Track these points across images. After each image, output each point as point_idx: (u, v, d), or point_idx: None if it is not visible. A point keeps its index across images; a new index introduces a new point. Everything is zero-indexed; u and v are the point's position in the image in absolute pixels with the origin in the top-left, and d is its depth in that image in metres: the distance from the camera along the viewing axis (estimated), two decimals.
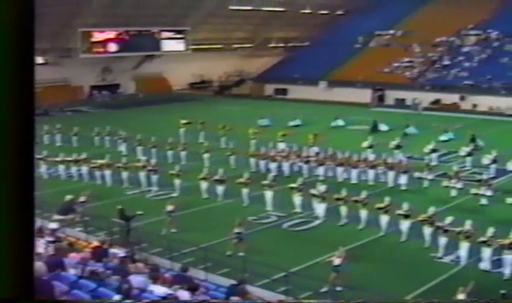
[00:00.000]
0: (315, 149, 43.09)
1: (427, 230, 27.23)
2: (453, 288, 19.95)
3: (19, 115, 4.01)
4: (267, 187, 33.94)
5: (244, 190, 34.25)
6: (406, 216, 28.20)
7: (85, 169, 39.68)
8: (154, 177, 37.70)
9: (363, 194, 30.68)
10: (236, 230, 26.63)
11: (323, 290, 22.24)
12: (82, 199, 30.92)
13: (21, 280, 4.04)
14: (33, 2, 4.11)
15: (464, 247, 25.30)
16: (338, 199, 30.97)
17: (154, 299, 14.98)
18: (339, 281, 22.45)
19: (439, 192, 34.85)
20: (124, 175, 38.49)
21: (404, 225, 28.21)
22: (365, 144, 43.24)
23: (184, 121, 53.91)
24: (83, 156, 40.15)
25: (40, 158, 39.07)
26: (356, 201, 30.47)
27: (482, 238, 24.64)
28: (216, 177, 35.72)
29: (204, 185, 35.60)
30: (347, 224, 30.45)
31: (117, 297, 14.52)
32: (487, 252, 24.62)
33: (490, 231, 24.74)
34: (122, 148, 46.91)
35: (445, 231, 25.97)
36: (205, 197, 35.37)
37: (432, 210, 27.69)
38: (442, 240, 26.11)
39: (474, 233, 25.26)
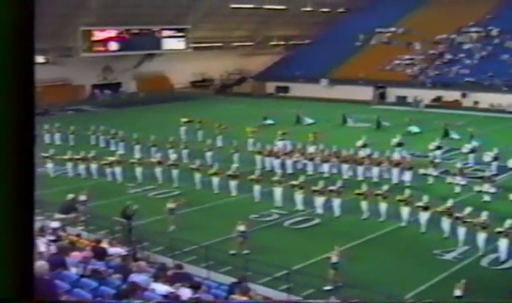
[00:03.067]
0: (320, 147, 43.16)
1: (445, 222, 27.75)
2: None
3: (20, 114, 3.99)
4: (276, 183, 34.34)
5: (256, 187, 34.47)
6: (426, 208, 28.82)
7: (83, 167, 40.01)
8: (174, 172, 38.38)
9: (385, 188, 31.72)
10: (241, 229, 26.65)
11: (327, 288, 22.33)
12: (82, 197, 31.03)
13: (21, 280, 4.03)
14: (33, 1, 4.11)
15: (481, 238, 25.71)
16: (358, 194, 31.47)
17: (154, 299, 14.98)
18: (338, 278, 22.54)
19: (444, 189, 34.84)
20: (138, 171, 39.13)
21: (424, 216, 28.80)
22: (359, 143, 43.12)
23: (185, 119, 54.10)
24: (91, 154, 40.47)
25: (45, 157, 39.29)
26: (377, 195, 31.17)
27: (499, 229, 24.99)
28: (229, 172, 36.29)
29: (216, 180, 36.15)
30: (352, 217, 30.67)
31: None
32: (503, 243, 24.99)
33: (508, 222, 25.15)
34: (120, 146, 46.70)
35: (464, 222, 26.39)
36: (216, 192, 35.84)
37: (450, 202, 28.08)
38: (461, 231, 26.63)
39: (490, 224, 25.61)
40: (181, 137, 49.46)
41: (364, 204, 31.06)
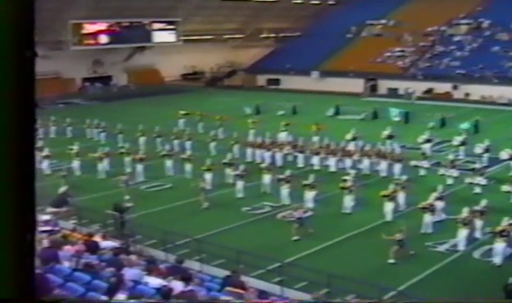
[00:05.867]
0: (315, 138, 43.62)
1: (428, 218, 27.45)
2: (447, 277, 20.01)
3: (20, 110, 3.94)
4: (265, 171, 34.84)
5: (240, 183, 34.11)
6: (441, 198, 29.09)
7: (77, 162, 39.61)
8: (168, 163, 38.93)
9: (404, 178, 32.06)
10: (297, 215, 27.44)
11: (391, 261, 23.82)
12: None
13: (21, 280, 3.98)
14: None
15: (462, 234, 25.45)
16: (343, 188, 31.28)
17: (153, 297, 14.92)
18: (402, 254, 24.13)
19: (436, 181, 34.62)
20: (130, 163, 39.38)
21: (439, 205, 28.88)
22: (349, 136, 43.06)
23: (183, 112, 54.75)
24: (76, 147, 40.11)
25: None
26: (396, 184, 31.19)
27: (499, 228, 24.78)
28: (225, 161, 36.58)
29: (208, 176, 35.29)
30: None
31: (122, 296, 14.45)
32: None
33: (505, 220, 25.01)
34: (118, 139, 46.57)
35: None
36: (209, 188, 34.51)
37: (433, 197, 27.97)
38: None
39: (472, 220, 25.53)
40: (178, 129, 49.91)
41: (348, 198, 30.92)
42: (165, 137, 44.96)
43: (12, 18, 3.77)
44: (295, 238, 26.94)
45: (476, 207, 26.71)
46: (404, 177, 31.96)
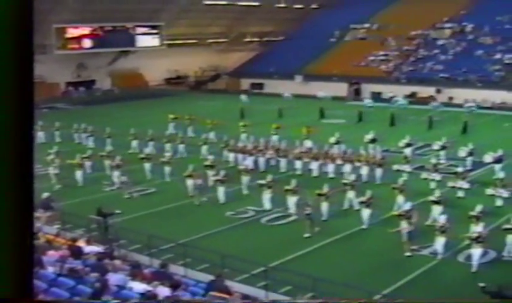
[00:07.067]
0: (306, 142, 43.61)
1: (404, 226, 27.17)
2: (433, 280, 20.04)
3: (18, 113, 3.95)
4: (244, 173, 35.25)
5: (221, 188, 33.73)
6: (437, 202, 29.20)
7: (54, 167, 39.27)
8: (147, 166, 38.99)
9: (401, 181, 31.75)
10: (307, 212, 27.94)
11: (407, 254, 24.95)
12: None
13: (21, 280, 4.00)
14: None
15: (440, 242, 25.34)
16: (320, 195, 30.47)
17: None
18: (409, 246, 25.38)
19: (418, 185, 34.58)
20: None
21: (436, 210, 28.77)
22: (332, 140, 43.04)
23: (172, 116, 55.09)
24: (53, 151, 39.75)
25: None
26: (394, 188, 31.32)
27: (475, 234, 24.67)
28: (206, 163, 36.62)
29: (190, 182, 34.69)
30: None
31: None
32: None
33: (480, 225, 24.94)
34: (108, 143, 46.46)
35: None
36: (191, 195, 34.35)
37: (408, 205, 27.75)
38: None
39: (449, 227, 25.40)
40: (170, 132, 50.91)
41: (324, 205, 30.34)
42: (157, 141, 45.19)
43: (12, 19, 3.77)
44: (307, 235, 27.55)
45: (472, 213, 26.56)
46: (401, 180, 31.81)
